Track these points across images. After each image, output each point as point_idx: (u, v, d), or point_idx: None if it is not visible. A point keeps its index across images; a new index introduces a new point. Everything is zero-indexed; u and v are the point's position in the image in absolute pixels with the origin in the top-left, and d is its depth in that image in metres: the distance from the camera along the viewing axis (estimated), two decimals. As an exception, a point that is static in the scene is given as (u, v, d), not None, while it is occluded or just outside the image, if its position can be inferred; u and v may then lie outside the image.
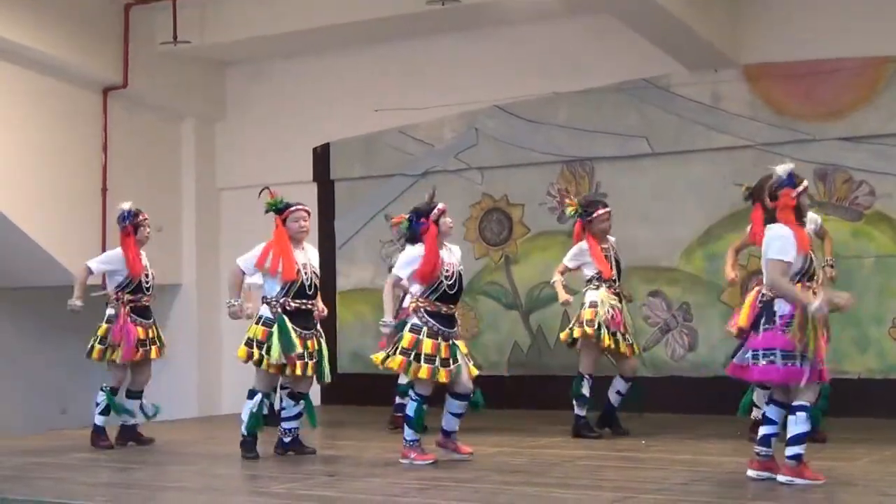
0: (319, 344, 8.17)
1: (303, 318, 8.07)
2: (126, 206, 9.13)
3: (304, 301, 8.07)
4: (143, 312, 9.08)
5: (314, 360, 8.09)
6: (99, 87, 12.44)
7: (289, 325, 7.97)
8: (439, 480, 6.99)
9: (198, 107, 13.48)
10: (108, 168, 12.49)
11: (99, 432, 9.05)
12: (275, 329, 7.96)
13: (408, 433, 7.70)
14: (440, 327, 7.63)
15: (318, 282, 8.22)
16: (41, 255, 11.80)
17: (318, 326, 8.24)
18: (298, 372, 8.01)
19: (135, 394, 9.16)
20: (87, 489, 6.92)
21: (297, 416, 8.35)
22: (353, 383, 12.25)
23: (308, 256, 8.22)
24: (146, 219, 9.15)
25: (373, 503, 6.44)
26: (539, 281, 11.70)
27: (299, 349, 7.97)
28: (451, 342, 7.65)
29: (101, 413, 9.04)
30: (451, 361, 7.59)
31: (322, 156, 12.96)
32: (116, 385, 9.09)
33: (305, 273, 8.09)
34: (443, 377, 7.55)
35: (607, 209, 9.30)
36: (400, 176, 12.46)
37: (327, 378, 8.20)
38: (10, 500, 6.51)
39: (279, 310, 8.00)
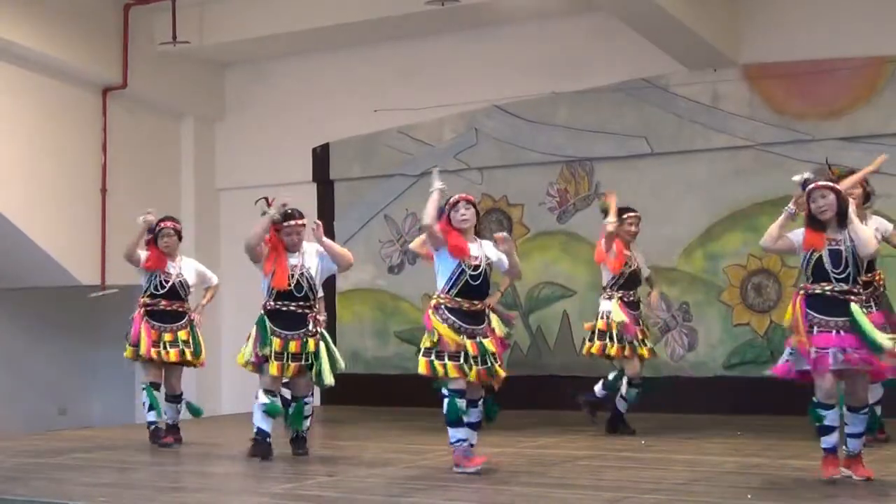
0: (316, 345, 8.04)
1: (286, 320, 8.02)
2: (149, 218, 9.02)
3: (286, 302, 8.03)
4: (158, 316, 9.05)
5: (301, 363, 8.03)
6: (99, 87, 12.45)
7: (267, 325, 8.00)
8: (439, 480, 6.98)
9: (197, 107, 13.48)
10: (108, 168, 12.49)
11: (151, 429, 9.09)
12: (253, 329, 8.06)
13: (450, 433, 7.19)
14: (462, 324, 7.14)
15: (312, 283, 8.07)
16: (41, 256, 11.80)
17: (314, 328, 8.09)
18: (273, 372, 7.99)
19: (168, 397, 9.18)
20: (87, 489, 6.92)
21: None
22: (353, 383, 12.24)
23: (304, 258, 8.12)
24: (165, 227, 9.06)
25: (373, 503, 6.44)
26: (539, 281, 11.71)
27: (276, 350, 7.96)
28: (477, 340, 7.14)
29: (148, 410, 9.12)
30: (479, 360, 7.10)
31: (322, 156, 12.97)
32: (150, 379, 9.11)
33: (293, 275, 8.02)
34: (474, 376, 7.10)
35: (633, 213, 9.27)
36: (399, 176, 12.46)
37: (326, 381, 8.06)
38: (9, 501, 6.50)
39: (262, 310, 8.08)
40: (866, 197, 8.35)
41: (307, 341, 8.03)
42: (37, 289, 12.68)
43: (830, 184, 6.59)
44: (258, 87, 13.39)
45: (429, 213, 7.18)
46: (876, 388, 7.79)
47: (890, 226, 8.37)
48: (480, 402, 7.27)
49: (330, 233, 12.84)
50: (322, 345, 8.12)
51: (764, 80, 10.82)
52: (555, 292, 11.61)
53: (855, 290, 6.51)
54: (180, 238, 9.24)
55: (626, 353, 8.96)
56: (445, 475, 7.15)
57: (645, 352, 9.09)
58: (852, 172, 8.22)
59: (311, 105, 12.94)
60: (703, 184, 11.08)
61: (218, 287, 9.53)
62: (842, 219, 6.55)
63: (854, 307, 6.47)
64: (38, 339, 13.19)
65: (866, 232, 6.65)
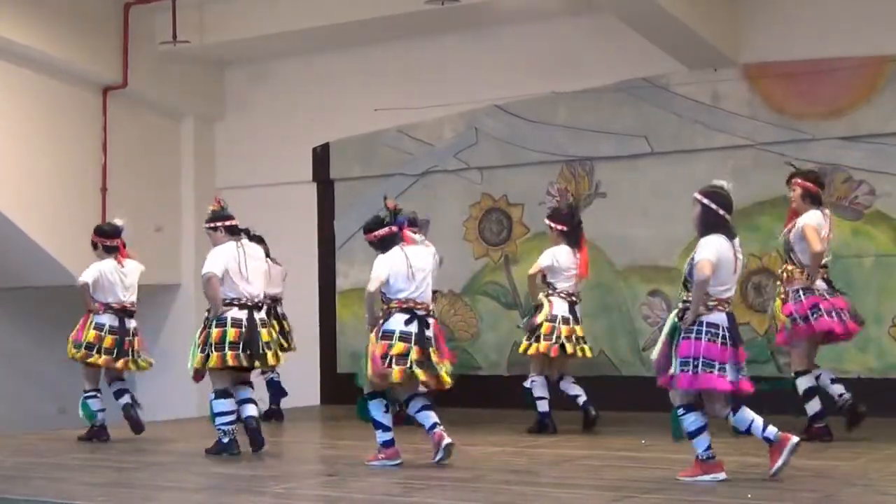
0: None
1: None
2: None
3: None
4: None
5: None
6: (99, 86, 12.45)
7: None
8: (439, 480, 6.98)
9: (197, 107, 13.48)
10: (108, 168, 12.49)
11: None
12: None
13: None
14: None
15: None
16: (41, 255, 11.80)
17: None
18: None
19: None
20: (87, 489, 6.92)
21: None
22: (353, 383, 12.23)
23: None
24: None
25: (373, 503, 6.44)
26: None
27: None
28: None
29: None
30: None
31: (322, 156, 12.97)
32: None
33: None
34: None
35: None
36: (399, 175, 12.46)
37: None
38: (9, 500, 6.51)
39: None
40: (812, 197, 8.51)
41: None
42: (37, 288, 12.67)
43: (698, 195, 6.92)
44: (259, 87, 13.38)
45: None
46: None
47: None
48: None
49: (330, 233, 12.92)
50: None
51: (764, 79, 10.81)
52: (555, 292, 11.59)
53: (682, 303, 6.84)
54: (94, 247, 9.59)
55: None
56: (445, 475, 7.15)
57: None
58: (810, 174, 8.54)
59: (311, 105, 12.94)
60: (703, 183, 10.88)
61: (79, 285, 9.58)
62: (702, 230, 6.94)
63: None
64: (38, 338, 13.17)
65: (699, 252, 7.01)
